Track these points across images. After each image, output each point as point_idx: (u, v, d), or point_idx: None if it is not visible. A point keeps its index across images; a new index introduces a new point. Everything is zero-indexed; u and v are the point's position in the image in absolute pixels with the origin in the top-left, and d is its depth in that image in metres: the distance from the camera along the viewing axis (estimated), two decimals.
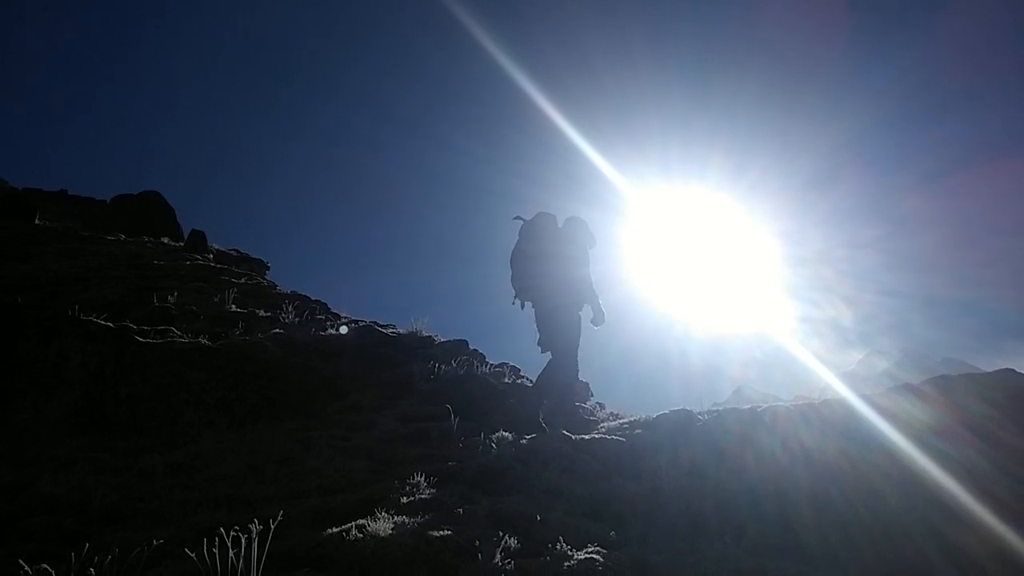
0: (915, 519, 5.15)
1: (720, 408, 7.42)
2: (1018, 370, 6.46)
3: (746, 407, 7.06)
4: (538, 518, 5.08)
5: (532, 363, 10.65)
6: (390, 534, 4.57)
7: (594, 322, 9.14)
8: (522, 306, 9.20)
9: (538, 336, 9.06)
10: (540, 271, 9.06)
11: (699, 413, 7.36)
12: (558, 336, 8.94)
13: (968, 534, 4.98)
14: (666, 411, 7.60)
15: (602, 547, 4.62)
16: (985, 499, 5.13)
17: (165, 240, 19.35)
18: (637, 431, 7.36)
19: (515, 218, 9.45)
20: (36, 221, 19.05)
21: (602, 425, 7.96)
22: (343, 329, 11.27)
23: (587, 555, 4.44)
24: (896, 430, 5.83)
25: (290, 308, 11.80)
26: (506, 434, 7.30)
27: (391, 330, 11.61)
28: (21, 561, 4.09)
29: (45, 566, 4.16)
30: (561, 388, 8.92)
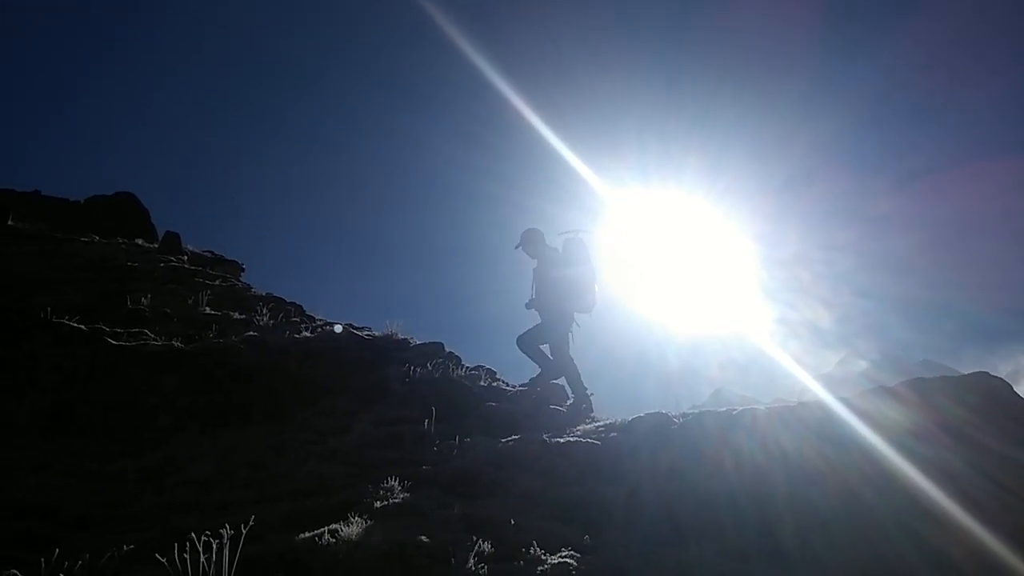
0: (893, 521, 5.17)
1: (697, 410, 7.42)
2: (992, 373, 6.54)
3: (723, 409, 7.07)
4: (512, 522, 5.06)
5: (509, 365, 10.77)
6: (363, 539, 4.54)
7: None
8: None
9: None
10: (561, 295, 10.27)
11: (675, 416, 7.36)
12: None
13: (946, 535, 5.01)
14: (641, 414, 7.59)
15: (576, 552, 4.62)
16: (963, 501, 5.16)
17: (139, 242, 19.16)
18: (613, 434, 7.34)
19: (562, 233, 10.53)
20: (8, 222, 18.79)
21: (578, 428, 7.95)
22: (317, 332, 11.20)
23: (560, 560, 4.43)
24: (874, 432, 5.87)
25: (264, 311, 11.71)
26: (481, 437, 7.27)
27: (366, 333, 11.53)
28: None
29: (15, 572, 4.11)
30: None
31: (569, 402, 9.80)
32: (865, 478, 5.56)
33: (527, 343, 10.42)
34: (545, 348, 10.47)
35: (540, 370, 10.46)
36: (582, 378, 9.99)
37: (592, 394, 9.88)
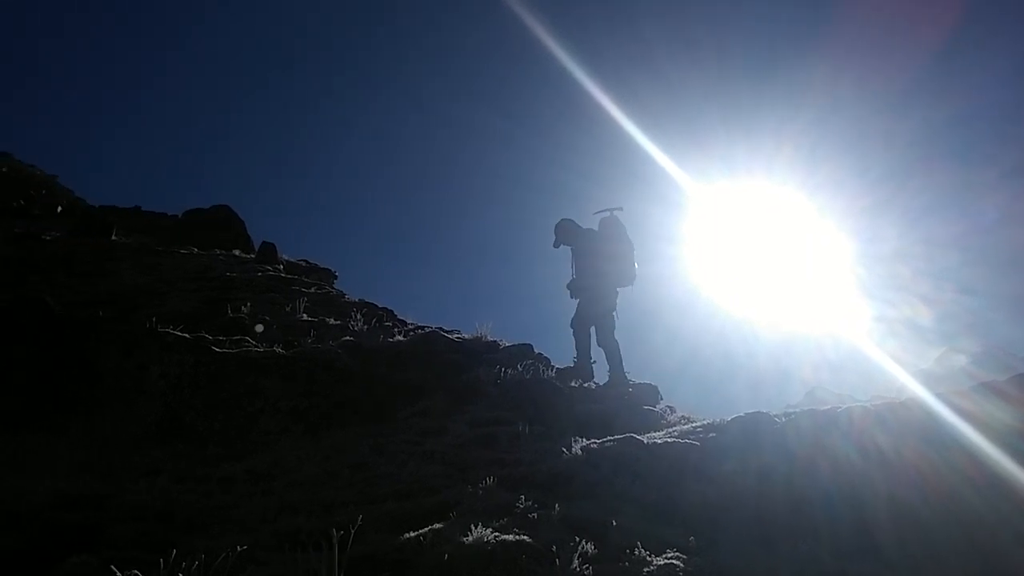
0: (1001, 523, 5.00)
1: (794, 410, 7.28)
2: None
3: (823, 408, 6.93)
4: (613, 523, 5.06)
5: (598, 367, 10.83)
6: (467, 538, 4.60)
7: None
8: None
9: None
10: (602, 270, 10.64)
11: (774, 416, 7.23)
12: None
13: None
14: (740, 414, 7.47)
15: (681, 553, 4.60)
16: None
17: (236, 252, 19.68)
18: (712, 435, 7.24)
19: (597, 212, 10.92)
20: (112, 237, 19.58)
21: (673, 428, 7.88)
22: (410, 335, 11.39)
23: (667, 560, 4.42)
24: (977, 432, 5.67)
25: (358, 316, 11.96)
26: (576, 438, 7.28)
27: (456, 335, 11.69)
28: (113, 567, 4.21)
29: (136, 572, 4.28)
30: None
31: (607, 381, 10.51)
32: (968, 480, 5.37)
33: (600, 335, 10.74)
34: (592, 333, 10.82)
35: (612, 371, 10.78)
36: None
37: (632, 383, 10.35)
